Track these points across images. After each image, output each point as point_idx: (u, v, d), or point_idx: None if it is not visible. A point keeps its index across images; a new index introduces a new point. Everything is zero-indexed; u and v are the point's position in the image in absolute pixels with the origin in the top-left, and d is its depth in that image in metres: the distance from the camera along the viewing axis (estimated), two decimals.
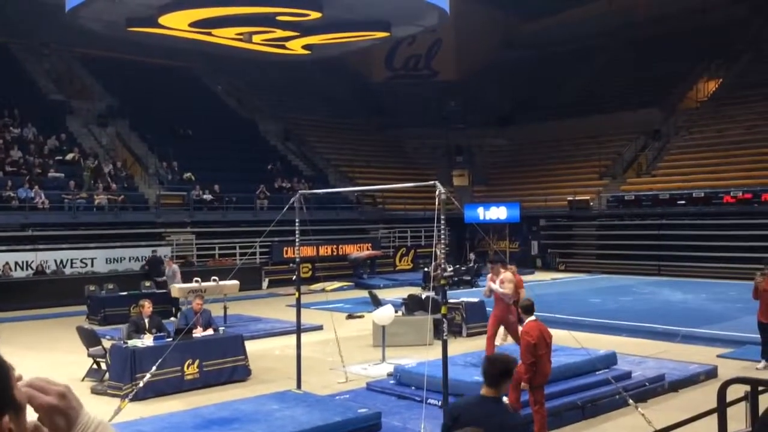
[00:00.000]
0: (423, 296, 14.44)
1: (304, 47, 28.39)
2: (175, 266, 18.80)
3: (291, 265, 21.33)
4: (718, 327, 14.11)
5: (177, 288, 15.70)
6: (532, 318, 7.74)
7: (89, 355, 11.00)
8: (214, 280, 15.66)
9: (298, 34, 26.07)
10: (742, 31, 34.00)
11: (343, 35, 27.10)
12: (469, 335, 14.09)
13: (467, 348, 12.69)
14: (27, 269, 20.79)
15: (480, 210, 30.49)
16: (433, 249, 19.07)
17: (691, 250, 25.31)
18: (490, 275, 10.55)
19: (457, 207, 10.61)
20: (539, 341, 7.46)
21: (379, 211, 31.27)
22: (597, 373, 9.28)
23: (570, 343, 10.04)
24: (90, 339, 11.26)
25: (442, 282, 7.78)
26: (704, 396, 8.73)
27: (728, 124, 29.32)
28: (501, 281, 10.11)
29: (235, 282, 15.77)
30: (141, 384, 8.93)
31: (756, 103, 29.12)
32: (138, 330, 10.67)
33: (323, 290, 20.87)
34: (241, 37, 26.09)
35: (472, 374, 8.84)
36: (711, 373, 10.44)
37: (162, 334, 10.54)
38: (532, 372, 7.42)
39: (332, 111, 37.48)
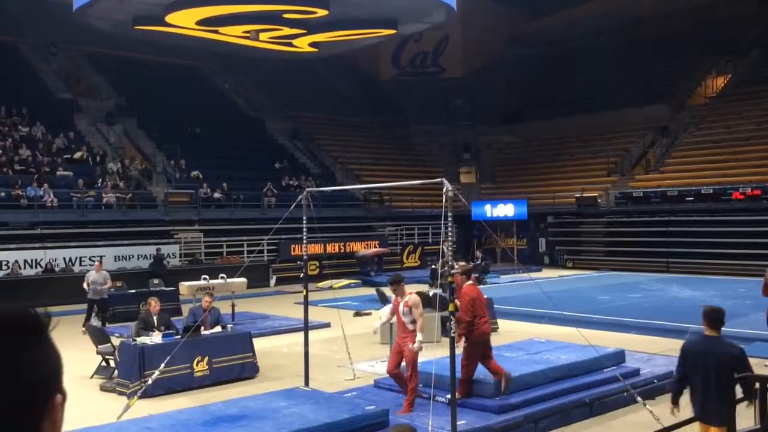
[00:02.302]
0: (430, 293, 14.43)
1: (311, 45, 28.42)
2: (105, 272, 16.13)
3: (298, 262, 21.35)
4: (727, 324, 13.81)
5: (186, 286, 15.74)
6: (470, 282, 8.50)
7: (98, 353, 11.05)
8: (222, 278, 15.70)
9: (304, 31, 26.09)
10: (751, 26, 33.81)
11: (349, 33, 27.10)
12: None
13: None
14: (36, 267, 20.88)
15: (487, 207, 30.44)
16: (441, 246, 19.03)
17: (700, 247, 25.20)
18: (394, 299, 8.65)
19: (464, 204, 10.48)
20: (477, 299, 8.24)
21: (386, 208, 31.27)
22: (605, 370, 9.26)
23: (578, 341, 10.02)
24: (99, 336, 11.32)
25: (450, 279, 7.77)
26: None
27: (737, 120, 29.17)
28: (406, 304, 8.32)
29: (243, 279, 15.81)
30: (150, 381, 8.97)
31: (765, 98, 28.95)
32: (146, 327, 10.72)
33: (331, 288, 20.87)
34: (248, 35, 26.14)
35: (480, 371, 8.84)
36: None
37: (170, 331, 10.59)
38: (470, 329, 8.08)
39: (339, 109, 37.50)
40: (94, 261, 21.95)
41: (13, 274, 20.07)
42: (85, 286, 15.56)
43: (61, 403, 1.16)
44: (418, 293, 13.08)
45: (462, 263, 10.08)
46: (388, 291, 17.48)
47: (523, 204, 29.61)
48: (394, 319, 8.86)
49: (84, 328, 14.21)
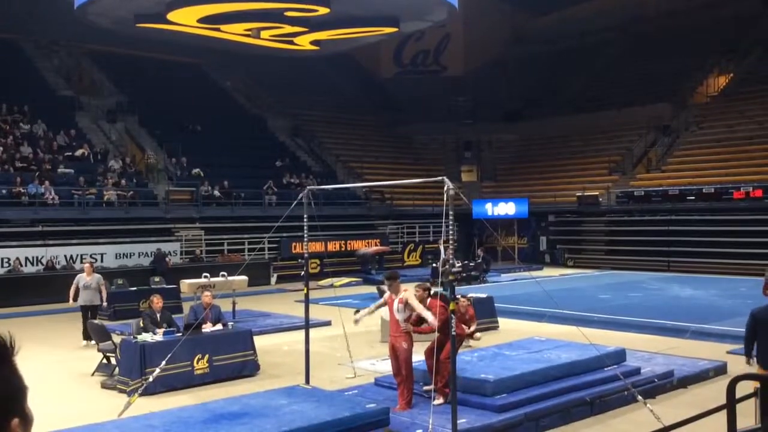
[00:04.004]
0: (431, 292, 14.43)
1: (313, 43, 28.38)
2: (98, 276, 14.13)
3: (299, 260, 21.37)
4: (728, 323, 14.03)
5: (187, 283, 15.75)
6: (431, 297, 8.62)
7: (99, 350, 11.07)
8: (223, 276, 15.69)
9: (306, 29, 26.07)
10: (753, 25, 33.76)
11: (351, 31, 27.07)
12: (478, 331, 14.06)
13: (476, 344, 12.69)
14: (37, 264, 20.91)
15: (488, 206, 30.44)
16: (441, 244, 18.99)
17: (701, 246, 25.19)
18: (388, 295, 8.49)
19: (465, 203, 10.43)
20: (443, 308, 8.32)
21: (387, 206, 31.27)
22: (606, 369, 9.25)
23: (579, 339, 10.02)
24: (100, 334, 11.33)
25: (451, 278, 7.76)
26: (714, 392, 8.70)
27: (739, 119, 29.15)
28: (401, 301, 8.18)
29: (244, 277, 15.79)
30: (151, 378, 8.99)
31: (767, 98, 28.92)
32: (152, 323, 10.72)
33: (332, 286, 20.88)
34: (249, 33, 26.12)
35: (480, 370, 8.84)
36: (720, 370, 10.39)
37: (172, 329, 10.60)
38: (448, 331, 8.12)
39: (341, 107, 37.48)
40: (95, 258, 22.00)
41: (15, 271, 20.09)
42: (71, 292, 13.56)
43: (18, 426, 1.19)
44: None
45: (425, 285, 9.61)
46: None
47: (524, 202, 29.60)
48: (379, 312, 8.90)
49: (85, 342, 13.19)
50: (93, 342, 12.10)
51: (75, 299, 13.61)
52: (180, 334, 10.17)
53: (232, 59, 33.96)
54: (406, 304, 8.19)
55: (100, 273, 20.21)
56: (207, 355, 10.17)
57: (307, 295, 9.77)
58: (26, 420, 1.21)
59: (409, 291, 8.45)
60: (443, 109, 38.45)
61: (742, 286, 19.67)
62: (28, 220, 21.82)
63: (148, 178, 26.22)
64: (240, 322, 13.71)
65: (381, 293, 15.37)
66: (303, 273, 9.91)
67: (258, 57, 31.93)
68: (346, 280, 23.82)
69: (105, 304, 13.88)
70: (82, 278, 13.79)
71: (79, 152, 25.29)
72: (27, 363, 1.27)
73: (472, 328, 12.77)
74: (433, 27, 31.61)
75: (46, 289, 19.30)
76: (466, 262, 23.34)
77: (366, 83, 41.24)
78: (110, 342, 10.99)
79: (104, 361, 10.88)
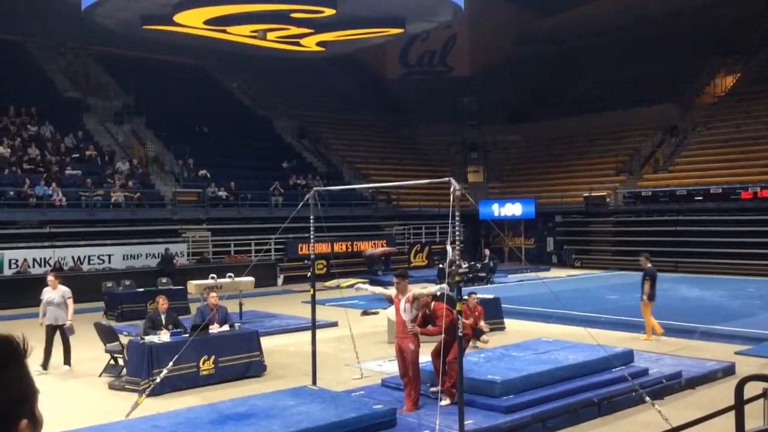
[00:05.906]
0: (438, 293, 14.41)
1: (319, 44, 28.43)
2: (65, 288, 11.45)
3: (306, 261, 21.41)
4: (736, 324, 13.99)
5: (194, 284, 15.78)
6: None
7: (107, 351, 11.09)
8: (230, 277, 15.72)
9: (312, 31, 26.12)
10: (760, 25, 33.63)
11: (357, 32, 27.11)
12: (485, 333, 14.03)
13: (483, 345, 12.67)
14: (45, 266, 20.96)
15: (495, 206, 30.37)
16: (446, 246, 18.96)
17: (709, 247, 25.09)
18: (395, 294, 8.52)
19: (471, 203, 10.42)
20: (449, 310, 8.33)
21: (393, 207, 31.26)
22: (613, 370, 9.22)
23: (586, 340, 10.00)
24: (107, 335, 11.35)
25: (457, 278, 7.75)
26: (722, 393, 8.67)
27: (746, 120, 29.03)
28: (408, 300, 8.21)
29: (251, 278, 15.82)
30: (158, 379, 9.00)
31: None
32: (154, 326, 10.75)
33: (338, 287, 20.88)
34: (255, 34, 26.19)
35: (487, 371, 8.83)
36: (729, 371, 10.35)
37: (178, 330, 10.62)
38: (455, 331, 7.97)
39: (347, 108, 37.50)
40: (102, 260, 22.04)
41: (23, 272, 20.16)
42: (40, 310, 11.44)
43: (26, 427, 1.21)
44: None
45: (430, 289, 9.48)
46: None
47: (530, 203, 29.54)
48: (385, 312, 8.86)
49: (41, 369, 10.84)
50: (49, 369, 11.07)
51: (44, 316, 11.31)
52: (187, 335, 10.20)
53: (238, 61, 34.03)
54: (414, 299, 8.19)
55: (107, 274, 20.48)
56: (213, 357, 10.19)
57: (313, 296, 9.78)
58: (35, 422, 1.22)
59: (415, 290, 8.46)
60: (449, 109, 38.43)
61: (750, 286, 19.57)
62: (36, 221, 21.91)
63: (149, 171, 26.27)
64: (247, 323, 13.73)
65: (387, 295, 15.34)
66: (309, 274, 9.92)
67: (264, 58, 31.99)
68: (352, 281, 23.82)
69: (69, 322, 11.20)
70: (47, 292, 11.43)
71: (86, 154, 25.38)
72: (35, 364, 1.28)
73: (481, 323, 12.80)
74: (439, 28, 31.62)
75: None
76: (472, 263, 23.31)
77: (372, 84, 41.26)
78: (117, 343, 11.02)
79: (111, 362, 10.91)
